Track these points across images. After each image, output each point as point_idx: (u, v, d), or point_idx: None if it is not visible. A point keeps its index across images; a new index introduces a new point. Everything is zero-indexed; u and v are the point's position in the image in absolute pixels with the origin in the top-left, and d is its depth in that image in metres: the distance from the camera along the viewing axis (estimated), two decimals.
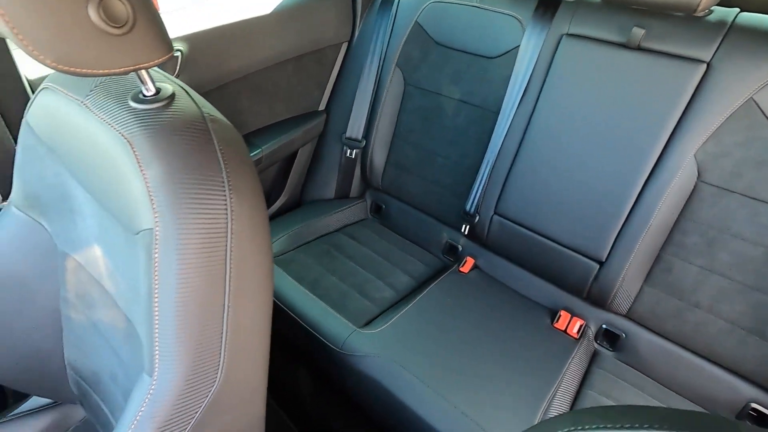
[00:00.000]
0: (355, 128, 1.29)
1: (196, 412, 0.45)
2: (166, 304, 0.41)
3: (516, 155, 1.02)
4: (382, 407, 0.87)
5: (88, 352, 0.67)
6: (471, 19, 1.09)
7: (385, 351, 0.89)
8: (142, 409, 0.42)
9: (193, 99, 0.47)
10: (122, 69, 0.38)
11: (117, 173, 0.43)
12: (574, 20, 0.94)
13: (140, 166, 0.41)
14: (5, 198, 0.72)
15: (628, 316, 0.97)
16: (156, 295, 0.41)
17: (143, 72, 0.43)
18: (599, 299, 0.98)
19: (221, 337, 0.44)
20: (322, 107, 1.37)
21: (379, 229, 1.32)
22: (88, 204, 0.55)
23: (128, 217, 0.45)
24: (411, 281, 1.13)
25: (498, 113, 1.05)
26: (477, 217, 1.11)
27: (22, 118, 0.70)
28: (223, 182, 0.43)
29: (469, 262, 1.15)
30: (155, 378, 0.42)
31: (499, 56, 1.06)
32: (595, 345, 1.01)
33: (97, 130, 0.45)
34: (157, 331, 0.41)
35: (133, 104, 0.44)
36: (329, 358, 0.92)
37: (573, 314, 1.02)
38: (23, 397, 0.91)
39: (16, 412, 0.82)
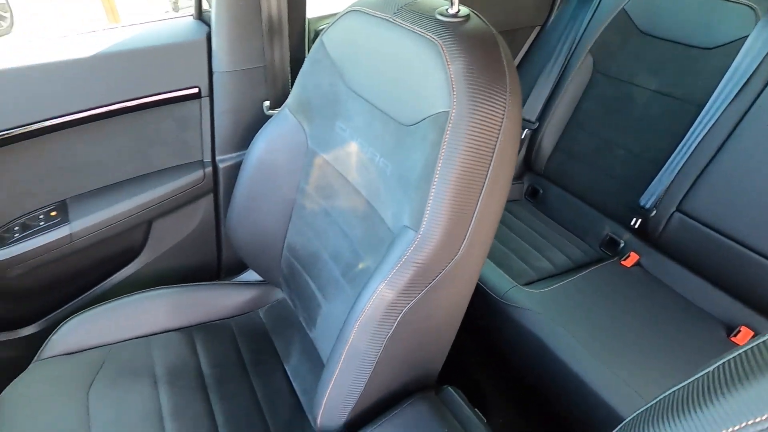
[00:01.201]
0: (532, 109, 1.32)
1: (438, 273, 0.53)
2: (445, 173, 0.50)
3: (718, 151, 0.96)
4: (537, 363, 0.89)
5: (312, 236, 0.81)
6: (690, 9, 1.05)
7: (545, 310, 0.91)
8: (407, 253, 0.52)
9: (483, 21, 0.56)
10: None
11: (421, 70, 0.54)
12: None
13: (447, 61, 0.51)
14: (273, 107, 0.92)
15: None
16: (438, 165, 0.51)
17: None
18: None
19: (472, 216, 0.52)
20: None
21: (534, 212, 1.34)
22: (359, 107, 0.68)
23: (411, 109, 0.56)
24: (568, 261, 1.13)
25: (701, 106, 1.00)
26: (653, 212, 1.06)
27: (300, 48, 0.87)
28: (506, 87, 0.51)
29: (633, 257, 1.11)
30: (421, 232, 0.52)
31: (716, 47, 1.01)
32: None
33: (406, 38, 0.56)
34: (431, 195, 0.51)
35: (440, 17, 0.55)
36: (488, 306, 0.98)
37: (757, 333, 0.92)
38: (234, 273, 1.13)
39: (228, 282, 1.02)
